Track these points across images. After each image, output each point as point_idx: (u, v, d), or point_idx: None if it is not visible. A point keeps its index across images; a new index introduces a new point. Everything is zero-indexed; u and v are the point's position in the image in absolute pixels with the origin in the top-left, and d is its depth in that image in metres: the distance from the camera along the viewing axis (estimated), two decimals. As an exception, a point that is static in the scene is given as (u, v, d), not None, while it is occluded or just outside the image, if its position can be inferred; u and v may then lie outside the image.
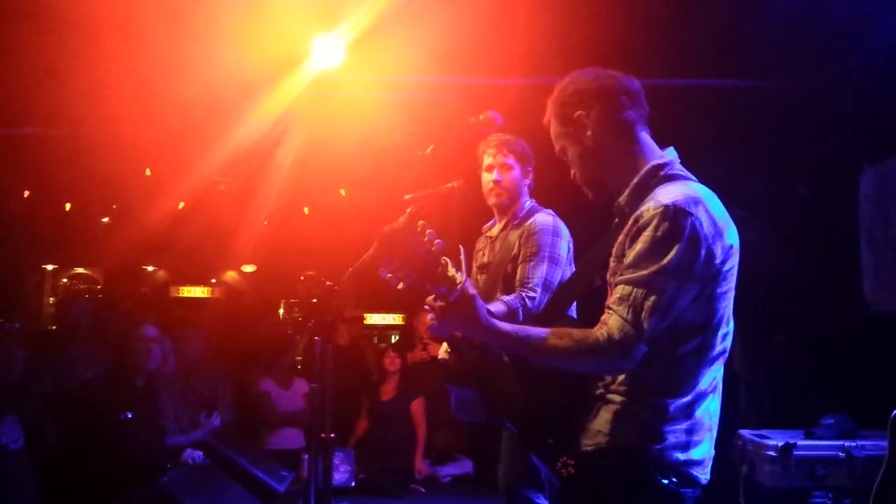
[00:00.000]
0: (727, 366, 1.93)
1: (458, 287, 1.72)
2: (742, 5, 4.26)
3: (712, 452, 1.85)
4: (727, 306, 1.83)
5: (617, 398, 1.81)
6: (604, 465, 1.78)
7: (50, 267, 11.33)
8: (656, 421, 1.76)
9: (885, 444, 3.80)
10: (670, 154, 1.92)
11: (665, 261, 1.70)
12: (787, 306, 5.08)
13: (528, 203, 3.17)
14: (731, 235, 1.81)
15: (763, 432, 4.34)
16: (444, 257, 1.73)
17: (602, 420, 1.81)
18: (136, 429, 4.18)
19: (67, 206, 8.30)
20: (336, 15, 4.69)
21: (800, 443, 4.22)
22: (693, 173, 1.92)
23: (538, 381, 1.88)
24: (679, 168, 1.89)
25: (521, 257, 3.02)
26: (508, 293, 2.96)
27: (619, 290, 1.73)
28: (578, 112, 1.92)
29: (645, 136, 1.93)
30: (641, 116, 1.93)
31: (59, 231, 8.78)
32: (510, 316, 2.81)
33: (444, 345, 3.04)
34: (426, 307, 1.91)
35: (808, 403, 4.65)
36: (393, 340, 9.32)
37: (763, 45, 4.45)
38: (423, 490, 5.77)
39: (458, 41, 4.37)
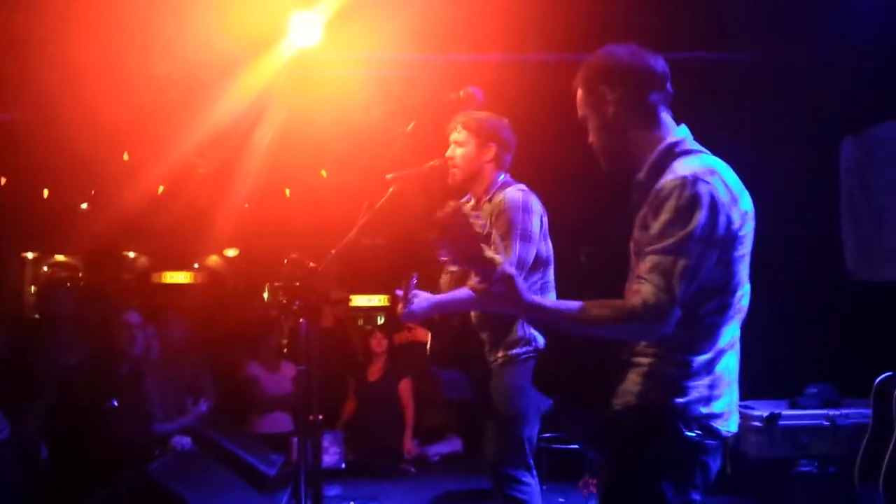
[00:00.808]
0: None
1: (499, 267, 1.77)
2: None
3: (733, 406, 1.97)
4: (744, 268, 1.96)
5: (644, 360, 1.93)
6: (631, 422, 1.91)
7: (30, 255, 11.20)
8: (680, 377, 1.89)
9: (868, 412, 3.86)
10: (683, 132, 2.04)
11: (689, 228, 1.83)
12: (769, 277, 5.10)
13: (502, 177, 3.08)
14: (746, 202, 1.95)
15: (748, 403, 4.38)
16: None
17: (630, 381, 1.93)
18: (122, 416, 4.15)
19: (45, 193, 8.18)
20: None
21: (784, 412, 4.27)
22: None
23: (571, 351, 2.00)
24: (692, 143, 2.02)
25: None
26: None
27: (650, 261, 1.85)
28: (603, 88, 2.02)
29: (664, 117, 2.04)
30: (664, 99, 2.05)
31: (39, 218, 8.66)
32: None
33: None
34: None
35: (793, 373, 4.69)
36: (379, 322, 9.31)
37: (743, 17, 4.43)
38: (413, 470, 5.79)
39: (437, 17, 4.31)
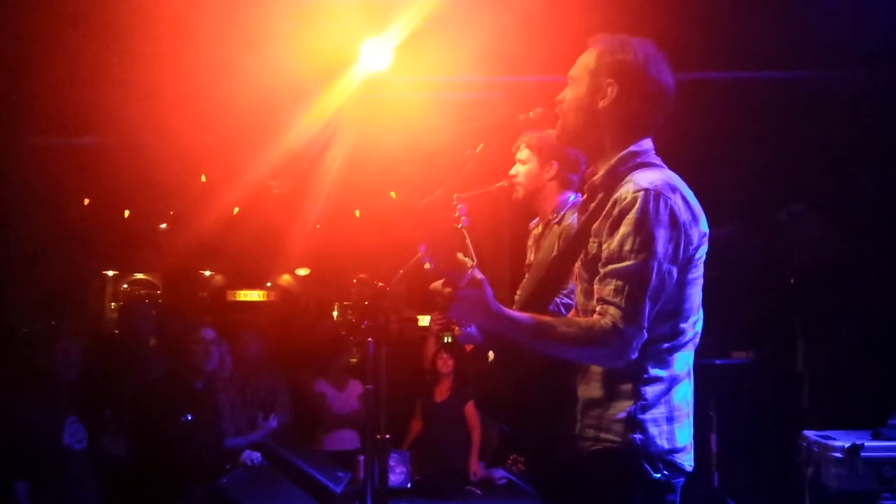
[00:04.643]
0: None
1: (469, 272, 1.67)
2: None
3: (692, 439, 1.84)
4: (697, 293, 1.84)
5: (594, 395, 1.80)
6: (591, 468, 1.78)
7: (110, 273, 11.62)
8: (635, 410, 1.76)
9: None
10: (647, 144, 1.90)
11: (651, 247, 1.71)
12: (850, 301, 4.94)
13: (572, 198, 3.02)
14: (704, 224, 1.83)
15: (828, 433, 4.21)
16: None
17: (581, 425, 1.81)
18: (196, 431, 4.25)
19: (126, 213, 8.50)
20: (384, 18, 4.70)
21: (867, 444, 4.08)
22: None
23: (522, 381, 1.90)
24: (654, 157, 1.89)
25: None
26: None
27: (613, 283, 1.72)
28: (611, 81, 1.88)
29: (645, 140, 1.90)
30: (655, 127, 1.92)
31: (119, 237, 9.00)
32: None
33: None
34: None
35: (874, 402, 4.51)
36: (446, 341, 9.31)
37: (820, 35, 4.32)
38: (478, 492, 5.75)
39: (506, 40, 4.34)
